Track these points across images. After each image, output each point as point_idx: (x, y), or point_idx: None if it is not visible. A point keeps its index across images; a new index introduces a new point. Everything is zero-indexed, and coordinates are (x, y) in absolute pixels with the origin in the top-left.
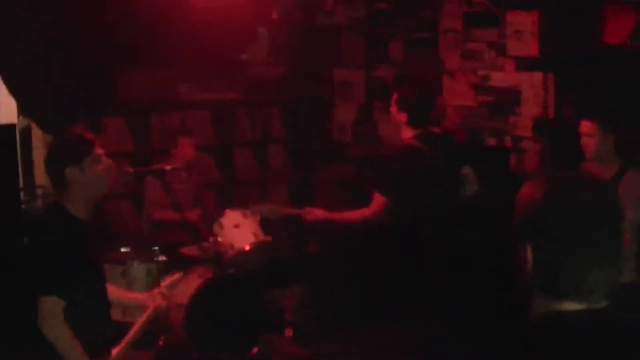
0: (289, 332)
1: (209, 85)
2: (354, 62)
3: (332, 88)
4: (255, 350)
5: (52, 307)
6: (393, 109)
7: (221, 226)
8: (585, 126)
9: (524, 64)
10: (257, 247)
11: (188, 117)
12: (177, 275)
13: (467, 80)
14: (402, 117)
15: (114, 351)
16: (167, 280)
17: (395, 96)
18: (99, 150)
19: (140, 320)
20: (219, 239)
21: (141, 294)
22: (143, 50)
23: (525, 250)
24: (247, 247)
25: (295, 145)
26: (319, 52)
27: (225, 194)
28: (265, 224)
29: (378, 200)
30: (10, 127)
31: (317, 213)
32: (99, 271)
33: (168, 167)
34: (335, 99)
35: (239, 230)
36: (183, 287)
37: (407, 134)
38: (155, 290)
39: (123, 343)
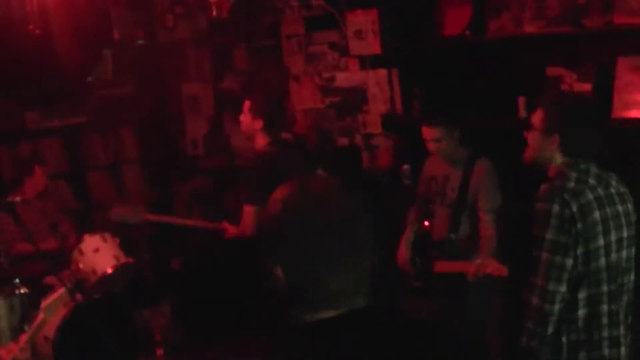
0: (159, 351)
1: (56, 111)
2: (201, 75)
3: (181, 103)
4: None
5: None
6: (246, 117)
7: (81, 252)
8: (428, 133)
9: (368, 63)
10: (120, 269)
11: (38, 144)
12: (38, 321)
13: (312, 83)
14: (258, 124)
15: None
16: (29, 331)
17: (248, 104)
18: None
19: None
20: (80, 265)
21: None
22: None
23: (274, 268)
24: (110, 271)
25: (149, 163)
26: (165, 68)
27: (83, 220)
28: (125, 246)
29: (247, 210)
30: None
31: (231, 230)
32: None
33: (18, 199)
34: (185, 113)
35: (99, 255)
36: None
37: (262, 141)
38: (12, 345)
39: None
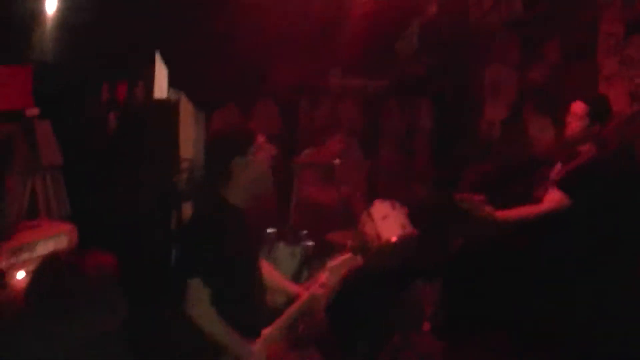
0: (426, 325)
1: (358, 73)
2: (508, 61)
3: (483, 84)
4: (394, 340)
5: (200, 293)
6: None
7: (369, 216)
8: None
9: None
10: (404, 239)
11: (338, 104)
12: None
13: (623, 87)
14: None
15: (265, 331)
16: (329, 268)
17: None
18: (261, 139)
19: (294, 307)
20: (366, 228)
21: (297, 286)
22: (298, 37)
23: None
24: (394, 239)
25: (441, 139)
26: (472, 48)
27: (370, 184)
28: (413, 217)
29: (556, 196)
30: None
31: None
32: (252, 257)
33: (336, 161)
34: (486, 95)
35: (386, 221)
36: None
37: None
38: (314, 281)
39: (274, 326)
